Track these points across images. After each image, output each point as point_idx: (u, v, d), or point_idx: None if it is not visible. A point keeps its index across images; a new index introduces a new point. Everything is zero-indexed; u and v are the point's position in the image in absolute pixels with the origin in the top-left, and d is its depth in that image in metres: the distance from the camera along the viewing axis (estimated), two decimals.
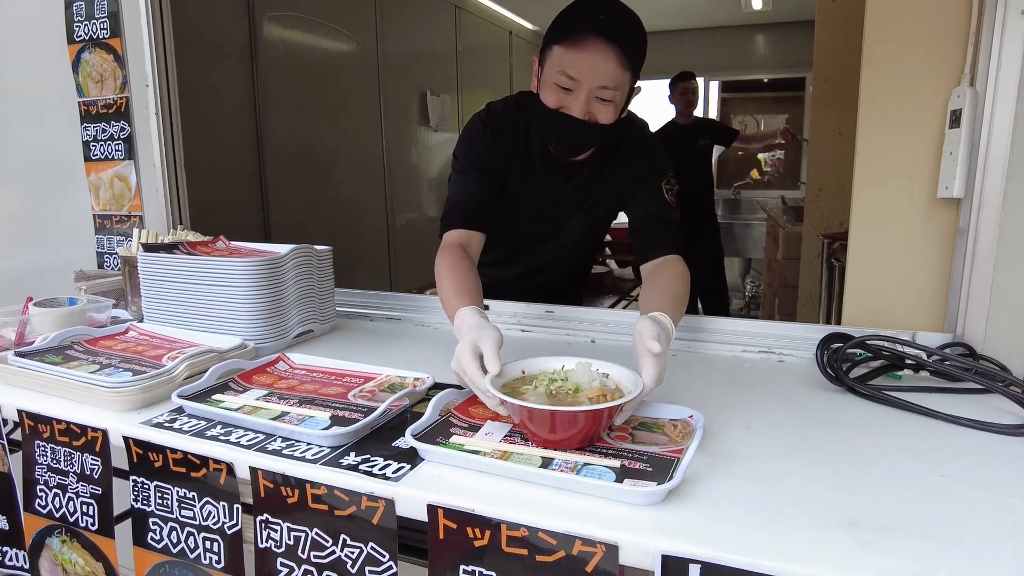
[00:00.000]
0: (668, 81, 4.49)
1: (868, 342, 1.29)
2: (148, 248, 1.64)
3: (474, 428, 1.07)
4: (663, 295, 1.31)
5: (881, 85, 1.44)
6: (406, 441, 1.00)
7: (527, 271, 1.82)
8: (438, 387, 1.25)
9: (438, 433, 1.05)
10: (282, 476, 0.99)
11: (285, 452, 1.03)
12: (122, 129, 2.13)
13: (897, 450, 1.01)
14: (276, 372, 1.37)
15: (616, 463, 0.93)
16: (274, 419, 1.12)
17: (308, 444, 1.05)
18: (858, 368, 1.32)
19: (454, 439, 1.02)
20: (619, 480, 0.88)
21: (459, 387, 1.17)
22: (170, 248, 1.63)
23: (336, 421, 1.11)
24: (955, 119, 1.30)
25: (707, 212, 4.69)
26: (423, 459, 0.99)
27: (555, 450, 0.98)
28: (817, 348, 1.28)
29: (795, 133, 4.72)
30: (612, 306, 3.05)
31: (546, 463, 0.94)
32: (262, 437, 1.08)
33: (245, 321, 1.49)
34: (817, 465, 0.96)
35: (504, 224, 1.63)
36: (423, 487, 0.91)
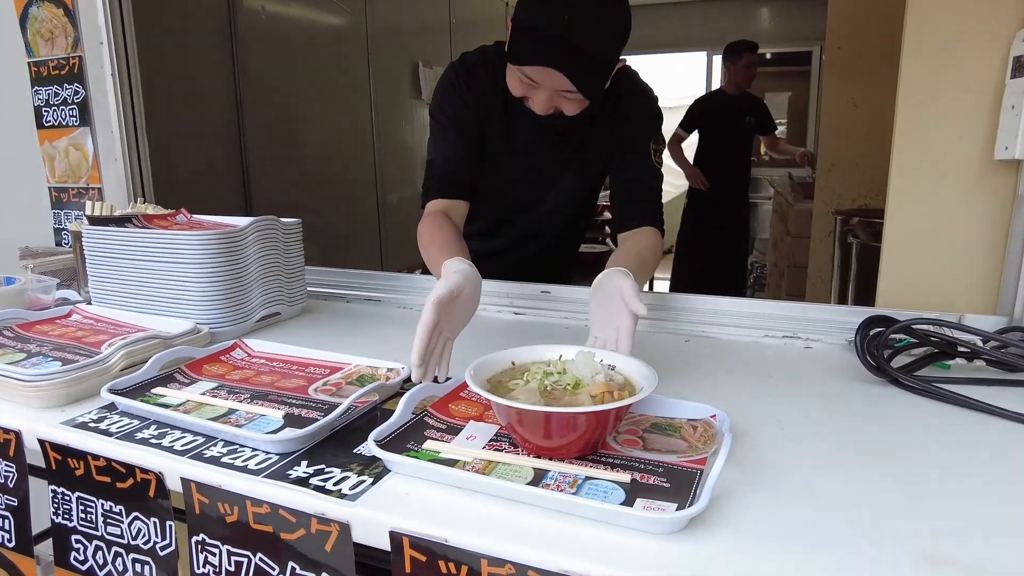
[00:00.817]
0: (725, 48, 4.05)
1: (915, 327, 1.11)
2: (94, 221, 1.45)
3: (453, 430, 0.89)
4: (635, 258, 1.20)
5: (927, 35, 1.25)
6: (369, 448, 0.83)
7: (513, 241, 1.63)
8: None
9: (409, 437, 0.87)
10: (219, 490, 0.81)
11: (225, 460, 0.85)
12: (76, 92, 1.93)
13: (969, 457, 0.84)
14: (231, 361, 1.19)
15: (625, 477, 0.76)
16: (217, 418, 0.94)
17: (253, 450, 0.88)
18: (899, 356, 1.15)
19: (428, 445, 0.85)
20: (629, 501, 0.71)
21: (438, 380, 0.99)
22: (121, 221, 1.44)
23: (290, 421, 0.93)
24: (1019, 67, 1.11)
25: (742, 192, 4.37)
26: (389, 471, 0.81)
27: (550, 459, 0.80)
28: (856, 333, 1.10)
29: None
30: None
31: (539, 477, 0.77)
32: (201, 441, 0.91)
33: (199, 303, 1.31)
34: (874, 476, 0.78)
35: (487, 188, 1.44)
36: (387, 508, 0.74)
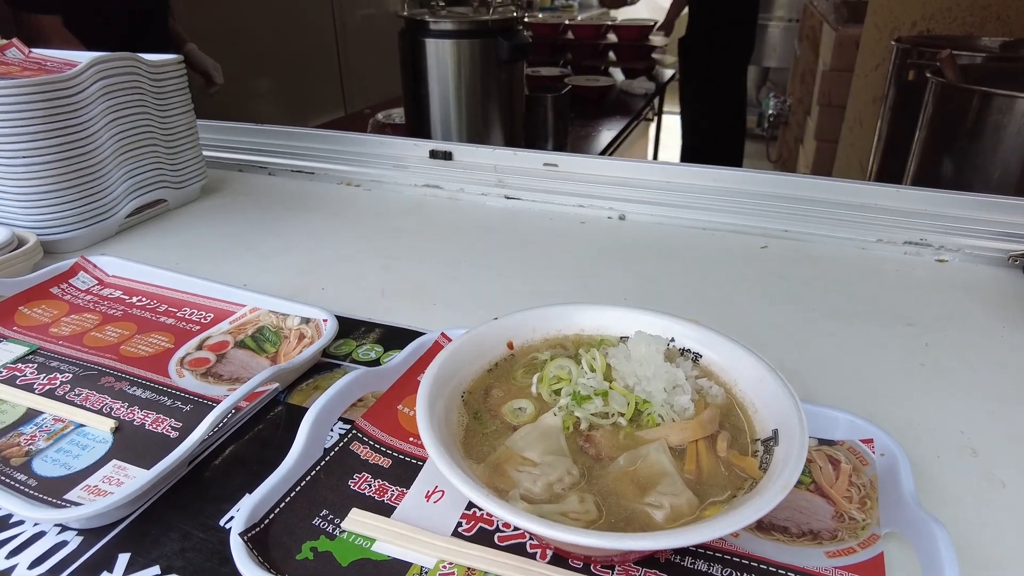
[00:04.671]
0: None
1: None
2: None
3: (402, 475, 0.49)
4: None
5: None
6: (236, 544, 0.43)
7: None
8: (352, 340, 0.66)
9: (318, 499, 0.47)
10: None
11: None
12: None
13: None
14: (68, 297, 0.76)
15: None
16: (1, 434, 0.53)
17: (35, 525, 0.48)
18: None
19: (353, 519, 0.45)
20: None
21: (387, 348, 0.59)
22: None
23: (122, 441, 0.53)
24: None
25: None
26: None
27: (584, 564, 0.41)
28: None
29: None
30: (623, 131, 2.37)
31: None
32: None
33: (18, 196, 0.85)
34: None
35: None
36: None
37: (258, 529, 0.44)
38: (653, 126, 3.67)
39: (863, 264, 0.85)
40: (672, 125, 4.07)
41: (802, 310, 0.75)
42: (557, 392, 0.46)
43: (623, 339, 0.51)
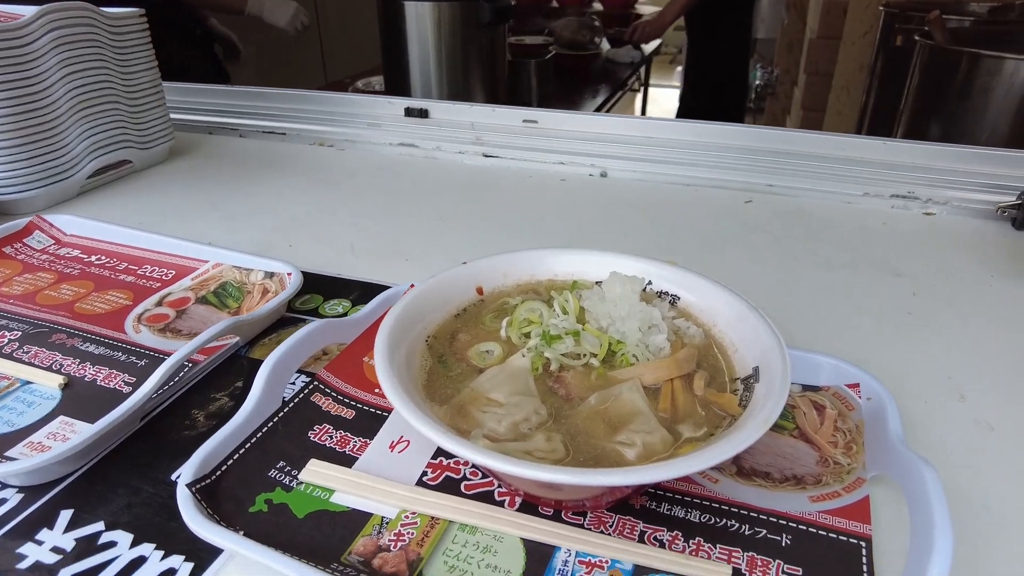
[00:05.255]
0: None
1: None
2: None
3: (366, 425, 0.47)
4: None
5: None
6: (179, 498, 0.40)
7: None
8: (319, 296, 0.63)
9: (275, 449, 0.45)
10: None
11: None
12: None
13: None
14: (22, 257, 0.73)
15: (717, 574, 0.35)
16: None
17: None
18: None
19: (311, 469, 0.43)
20: None
21: (355, 304, 0.56)
22: None
23: (72, 398, 0.50)
24: None
25: None
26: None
27: (557, 511, 0.39)
28: (1022, 198, 0.67)
29: None
30: (608, 99, 2.33)
31: (537, 567, 0.36)
32: None
33: None
34: None
35: None
36: None
37: (209, 481, 0.42)
38: (639, 97, 3.63)
39: (849, 218, 0.83)
40: (659, 97, 4.02)
41: (787, 263, 0.72)
42: (527, 336, 0.43)
43: (598, 284, 0.48)
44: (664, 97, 4.45)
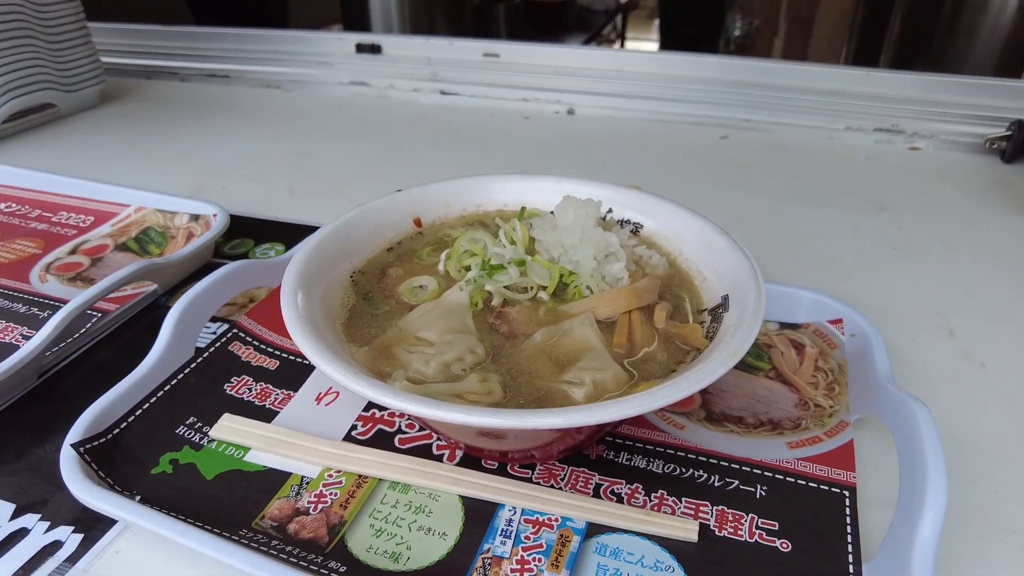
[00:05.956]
0: None
1: None
2: None
3: (290, 372, 0.41)
4: None
5: None
6: (69, 457, 0.34)
7: None
8: (250, 240, 0.57)
9: (186, 403, 0.39)
10: None
11: None
12: None
13: None
14: None
15: (683, 529, 0.31)
16: None
17: None
18: None
19: (224, 425, 0.37)
20: None
21: (289, 247, 0.50)
22: None
23: None
24: None
25: None
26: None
27: (502, 464, 0.34)
28: (1011, 130, 0.63)
29: None
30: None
31: (477, 526, 0.31)
32: None
33: None
34: None
35: None
36: None
37: (103, 440, 0.36)
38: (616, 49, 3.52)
39: (831, 153, 0.78)
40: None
41: (765, 197, 0.67)
42: (468, 269, 0.38)
43: (553, 212, 0.43)
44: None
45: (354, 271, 0.39)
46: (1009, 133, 0.74)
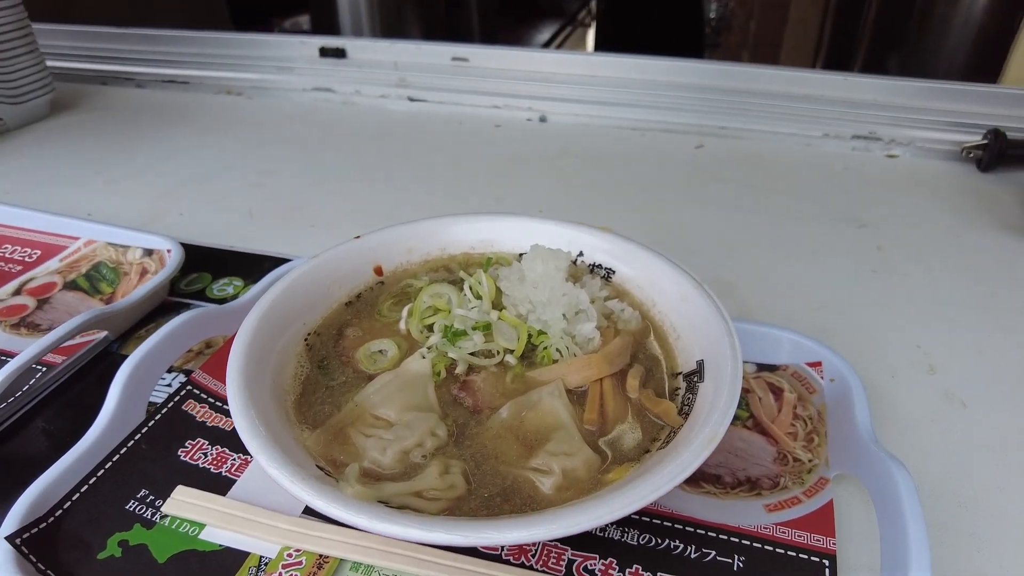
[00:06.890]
0: None
1: None
2: None
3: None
4: None
5: None
6: (5, 552, 0.32)
7: None
8: (208, 274, 0.54)
9: (137, 473, 0.37)
10: None
11: None
12: None
13: None
14: None
15: None
16: None
17: None
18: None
19: (177, 500, 0.35)
20: None
21: (248, 281, 0.48)
22: None
23: None
24: None
25: None
26: None
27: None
28: (987, 138, 0.62)
29: None
30: (555, 36, 2.20)
31: None
32: None
33: None
34: None
35: None
36: None
37: (43, 526, 0.34)
38: (592, 33, 3.47)
39: (808, 162, 0.77)
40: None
41: (741, 214, 0.66)
42: (430, 328, 0.36)
43: (521, 256, 0.41)
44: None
45: (309, 332, 0.36)
46: (985, 142, 0.73)
